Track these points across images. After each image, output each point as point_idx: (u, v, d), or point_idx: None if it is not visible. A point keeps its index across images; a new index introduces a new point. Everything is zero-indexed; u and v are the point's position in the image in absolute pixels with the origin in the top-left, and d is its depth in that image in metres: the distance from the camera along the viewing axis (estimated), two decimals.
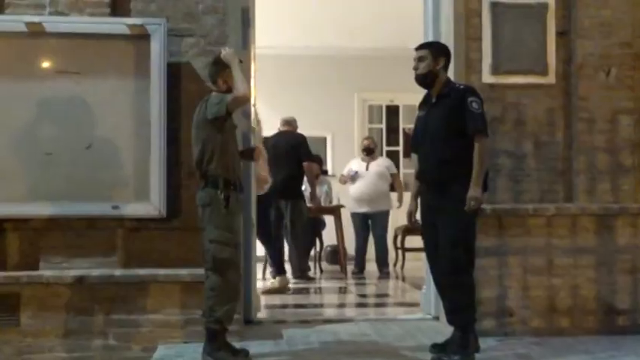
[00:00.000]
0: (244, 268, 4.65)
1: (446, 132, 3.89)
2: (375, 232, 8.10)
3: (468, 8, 4.88)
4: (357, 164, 8.28)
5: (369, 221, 8.12)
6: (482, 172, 3.82)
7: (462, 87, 3.99)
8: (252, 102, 5.06)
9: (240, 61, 4.11)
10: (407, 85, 8.19)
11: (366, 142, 8.37)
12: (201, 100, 4.15)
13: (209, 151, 4.03)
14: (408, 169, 9.94)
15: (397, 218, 9.23)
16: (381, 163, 8.23)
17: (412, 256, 8.74)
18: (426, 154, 3.99)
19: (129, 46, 4.61)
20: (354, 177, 8.12)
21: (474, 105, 3.84)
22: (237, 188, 4.09)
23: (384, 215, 8.12)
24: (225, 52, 4.09)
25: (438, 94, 3.98)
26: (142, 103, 4.61)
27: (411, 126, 10.39)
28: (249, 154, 4.42)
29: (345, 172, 8.34)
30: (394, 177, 8.26)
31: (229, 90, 4.06)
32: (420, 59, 4.01)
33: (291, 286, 6.98)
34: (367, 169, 8.12)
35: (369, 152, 8.25)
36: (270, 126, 8.30)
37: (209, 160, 4.04)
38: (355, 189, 8.13)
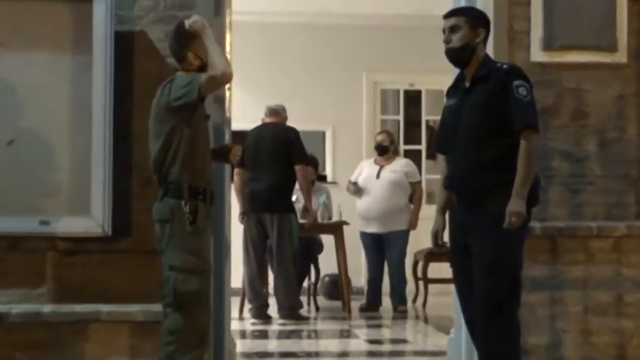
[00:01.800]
0: (215, 304, 4.65)
1: (483, 127, 3.90)
2: (390, 257, 8.12)
3: None
4: (367, 168, 8.28)
5: (383, 243, 8.15)
6: (529, 179, 3.83)
7: (504, 67, 3.99)
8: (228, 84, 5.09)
9: None
10: (431, 64, 8.25)
11: (379, 138, 8.34)
12: (162, 83, 4.15)
13: (172, 149, 4.04)
14: (432, 175, 9.98)
15: (418, 240, 9.23)
16: (399, 167, 8.19)
17: (437, 290, 8.75)
18: (457, 155, 4.01)
19: (65, 10, 4.62)
20: (357, 189, 8.14)
21: (521, 91, 3.85)
22: (206, 199, 4.10)
23: (402, 237, 8.13)
24: (192, 21, 4.11)
25: (474, 77, 3.99)
26: (81, 85, 4.61)
27: (437, 118, 10.47)
28: (222, 154, 4.43)
29: (353, 177, 8.34)
30: (415, 187, 8.25)
31: (203, 68, 4.07)
32: (452, 29, 4.02)
33: (276, 327, 7.00)
34: (378, 176, 8.14)
35: (382, 151, 8.25)
36: (250, 117, 8.35)
37: (172, 161, 4.05)
38: (363, 203, 8.15)
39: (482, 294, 3.86)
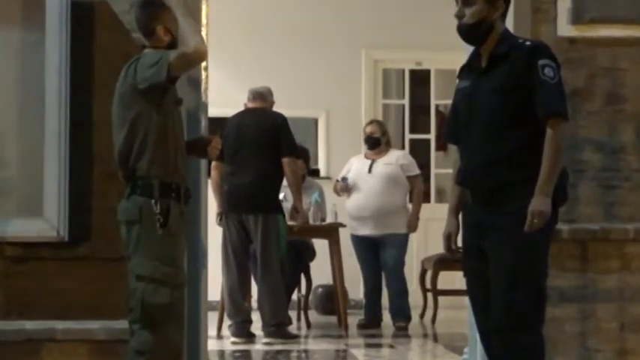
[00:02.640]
0: (190, 320, 4.61)
1: (502, 113, 3.88)
2: (385, 264, 8.12)
3: None
4: (357, 163, 8.30)
5: (378, 248, 8.15)
6: (555, 173, 3.83)
7: (528, 44, 3.98)
8: (204, 63, 5.07)
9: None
10: (442, 40, 8.27)
11: (369, 129, 8.35)
12: (127, 62, 4.14)
13: (139, 139, 4.04)
14: (442, 169, 9.97)
15: (427, 245, 9.22)
16: (394, 159, 8.21)
17: (448, 303, 8.75)
18: (472, 146, 3.99)
19: None
20: (346, 186, 8.14)
21: (548, 72, 3.84)
22: (180, 197, 4.09)
23: (399, 241, 8.12)
24: None
25: (492, 55, 3.98)
26: (32, 64, 4.59)
27: (449, 102, 10.53)
28: (198, 147, 4.41)
29: (340, 175, 8.36)
30: (413, 182, 8.24)
31: (174, 44, 4.08)
32: (465, 2, 4.02)
33: (261, 347, 6.98)
34: (370, 170, 8.14)
35: (373, 144, 8.26)
36: (230, 101, 8.31)
37: (139, 153, 4.04)
38: (353, 201, 8.14)
39: (500, 308, 3.85)
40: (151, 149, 4.04)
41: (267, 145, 7.20)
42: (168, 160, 4.07)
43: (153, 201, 4.00)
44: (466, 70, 4.14)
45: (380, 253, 8.11)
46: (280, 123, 7.28)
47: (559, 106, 3.84)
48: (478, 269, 3.98)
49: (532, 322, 3.86)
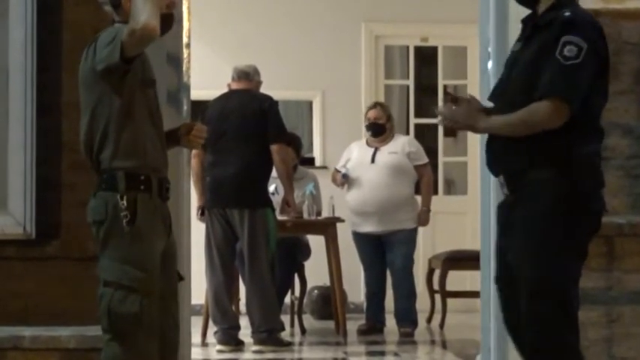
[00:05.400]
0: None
1: (524, 91, 3.88)
2: (392, 264, 8.14)
3: None
4: (358, 151, 8.30)
5: (384, 246, 8.18)
6: (501, 130, 3.86)
7: (565, 14, 3.92)
8: (186, 39, 5.08)
9: None
10: (450, 12, 8.30)
11: (372, 114, 8.34)
12: (90, 40, 4.11)
13: (102, 126, 4.02)
14: (451, 157, 9.99)
15: (434, 241, 9.24)
16: (399, 147, 8.21)
17: (459, 305, 8.77)
18: (495, 106, 4.05)
19: None
20: (345, 182, 8.16)
21: (569, 50, 3.80)
22: (152, 190, 4.06)
23: (407, 237, 8.15)
24: None
25: (535, 23, 3.99)
26: None
27: (457, 82, 10.56)
28: (178, 136, 4.35)
29: (340, 164, 8.36)
30: (422, 171, 8.27)
31: None
32: None
33: (250, 356, 6.98)
34: (373, 160, 8.16)
35: (378, 131, 8.26)
36: (214, 82, 8.31)
37: (102, 141, 4.02)
38: (355, 195, 8.16)
39: (524, 319, 3.86)
40: (113, 137, 4.00)
41: (254, 132, 7.20)
42: (135, 148, 4.03)
43: (119, 196, 3.97)
44: (522, 31, 4.10)
45: (386, 252, 8.13)
46: (268, 106, 7.28)
47: (560, 89, 3.79)
48: (502, 269, 4.00)
49: (560, 336, 3.83)
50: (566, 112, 3.80)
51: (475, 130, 3.97)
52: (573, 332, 3.89)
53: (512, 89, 3.96)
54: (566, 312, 3.85)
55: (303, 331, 8.31)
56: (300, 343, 7.86)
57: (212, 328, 7.41)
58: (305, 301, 8.78)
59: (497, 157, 3.97)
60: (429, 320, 8.81)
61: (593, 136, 3.88)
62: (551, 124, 3.80)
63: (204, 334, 7.60)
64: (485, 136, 4.11)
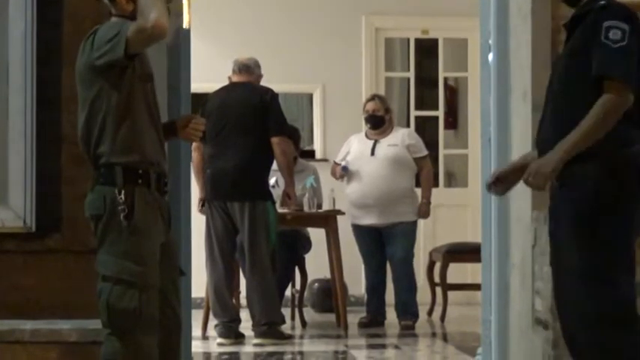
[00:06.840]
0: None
1: (568, 81, 3.91)
2: (392, 257, 8.15)
3: None
4: (357, 144, 8.30)
5: (383, 239, 8.19)
6: (588, 138, 3.78)
7: (601, 2, 3.92)
8: (186, 31, 5.08)
9: None
10: (451, 6, 8.28)
11: (370, 107, 8.33)
12: (88, 33, 4.11)
13: (99, 121, 4.02)
14: (452, 149, 9.99)
15: (435, 234, 9.23)
16: (399, 139, 8.22)
17: (460, 298, 8.77)
18: (546, 112, 4.06)
19: None
20: (345, 171, 8.17)
21: (613, 34, 3.79)
22: (150, 184, 4.07)
23: (407, 230, 8.17)
24: None
25: (573, 15, 4.01)
26: None
27: (459, 75, 10.55)
28: (176, 128, 4.37)
29: (338, 157, 8.37)
30: (422, 163, 8.28)
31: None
32: None
33: (251, 349, 7.00)
34: (373, 152, 8.17)
35: (376, 123, 8.26)
36: (214, 75, 8.31)
37: (99, 136, 4.03)
38: (355, 188, 8.16)
39: (570, 312, 3.86)
40: (111, 132, 4.01)
41: (254, 124, 7.21)
42: (133, 143, 4.04)
43: (116, 191, 3.98)
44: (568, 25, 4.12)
45: (386, 245, 8.15)
46: (269, 99, 7.29)
47: (615, 69, 3.79)
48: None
49: (611, 327, 3.76)
50: (629, 94, 3.80)
51: (555, 168, 3.83)
52: (631, 315, 3.84)
53: (556, 82, 3.99)
54: (615, 304, 3.81)
55: (303, 324, 8.32)
56: (301, 336, 7.86)
57: (212, 322, 7.43)
58: (305, 294, 8.78)
59: (547, 147, 3.92)
60: (430, 313, 8.83)
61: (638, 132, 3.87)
62: (622, 106, 3.79)
63: (204, 328, 7.62)
64: (486, 131, 4.10)
